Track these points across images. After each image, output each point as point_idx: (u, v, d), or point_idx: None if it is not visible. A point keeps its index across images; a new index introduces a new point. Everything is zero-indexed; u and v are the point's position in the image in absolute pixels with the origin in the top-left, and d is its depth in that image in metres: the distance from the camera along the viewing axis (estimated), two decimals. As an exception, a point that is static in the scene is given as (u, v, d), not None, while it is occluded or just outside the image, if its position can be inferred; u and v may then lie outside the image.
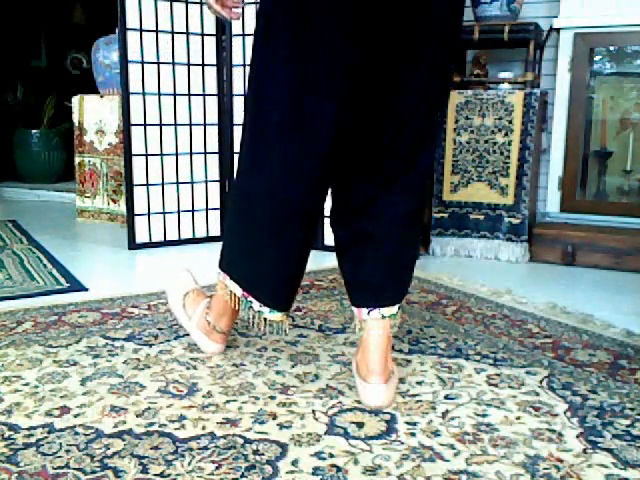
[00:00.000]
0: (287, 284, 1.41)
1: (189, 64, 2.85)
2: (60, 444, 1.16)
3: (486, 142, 2.68)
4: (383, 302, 1.36)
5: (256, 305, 1.41)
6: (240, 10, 1.38)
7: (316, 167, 1.29)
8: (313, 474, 1.07)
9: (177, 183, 2.90)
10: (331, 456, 1.12)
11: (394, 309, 1.37)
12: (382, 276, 1.36)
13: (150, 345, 1.65)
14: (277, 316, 1.42)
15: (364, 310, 1.36)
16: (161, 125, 2.83)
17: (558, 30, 2.85)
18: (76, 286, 2.21)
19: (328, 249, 2.65)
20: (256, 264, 1.40)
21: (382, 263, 1.35)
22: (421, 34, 1.22)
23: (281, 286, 1.41)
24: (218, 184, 2.99)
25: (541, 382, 1.44)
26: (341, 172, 1.36)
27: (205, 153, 2.94)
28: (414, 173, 1.33)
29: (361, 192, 1.35)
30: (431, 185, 2.79)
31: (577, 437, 1.20)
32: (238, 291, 1.43)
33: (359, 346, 1.39)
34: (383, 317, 1.35)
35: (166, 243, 2.89)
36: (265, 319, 1.42)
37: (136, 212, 2.81)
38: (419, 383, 1.43)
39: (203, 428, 1.22)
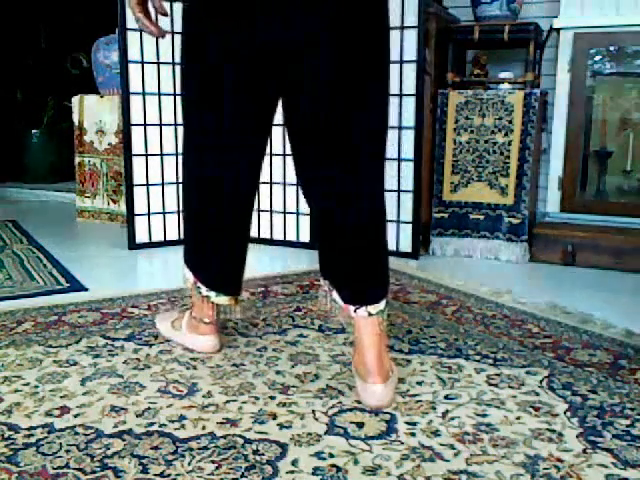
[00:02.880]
0: (226, 267, 1.54)
1: (189, 64, 2.85)
2: (60, 444, 1.16)
3: (486, 142, 2.68)
4: (365, 300, 1.35)
5: (204, 290, 1.54)
6: (164, 30, 1.46)
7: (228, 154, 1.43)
8: (313, 474, 1.07)
9: (177, 183, 2.89)
10: (331, 456, 1.12)
11: (380, 306, 1.36)
12: (355, 274, 1.37)
13: (150, 345, 1.65)
14: (224, 299, 1.56)
15: (351, 307, 1.37)
16: (161, 125, 2.83)
17: (558, 30, 2.85)
18: (76, 286, 2.21)
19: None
20: (199, 249, 1.55)
21: (350, 260, 1.37)
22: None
23: (221, 269, 1.54)
24: (218, 184, 2.98)
25: (541, 382, 1.44)
26: (301, 170, 1.40)
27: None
28: (359, 164, 1.33)
29: (318, 187, 1.37)
30: (431, 185, 2.79)
31: (577, 437, 1.20)
32: (191, 278, 1.56)
33: (354, 347, 1.40)
34: (370, 315, 1.35)
35: (166, 243, 2.88)
36: (213, 303, 1.55)
37: (136, 212, 2.81)
38: (419, 383, 1.43)
39: (203, 428, 1.22)
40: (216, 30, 1.32)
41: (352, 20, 1.25)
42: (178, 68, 2.83)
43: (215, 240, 1.52)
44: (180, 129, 2.87)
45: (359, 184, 1.33)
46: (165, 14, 1.45)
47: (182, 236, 1.63)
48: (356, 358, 1.37)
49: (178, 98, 2.84)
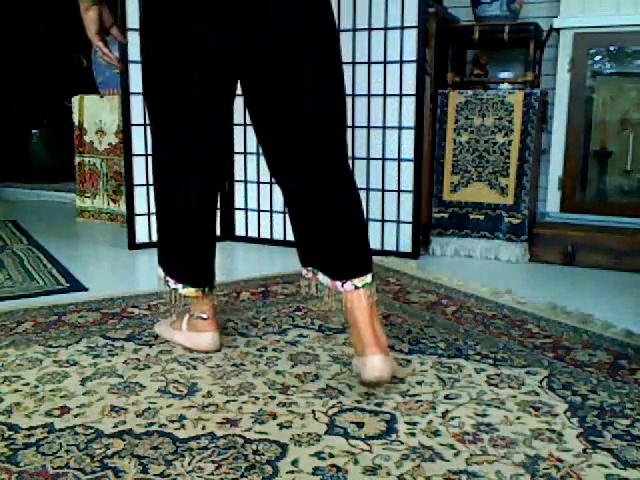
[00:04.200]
0: (191, 259, 1.58)
1: (189, 64, 2.85)
2: (60, 444, 1.16)
3: (486, 142, 2.68)
4: (350, 272, 1.39)
5: (171, 283, 1.58)
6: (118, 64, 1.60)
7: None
8: (313, 474, 1.07)
9: (177, 183, 2.89)
10: (331, 456, 1.12)
11: (367, 278, 1.39)
12: (339, 248, 1.42)
13: (150, 345, 1.65)
14: (191, 291, 1.57)
15: (337, 283, 1.40)
16: (161, 125, 2.83)
17: (558, 30, 2.85)
18: (76, 286, 2.21)
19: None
20: (165, 245, 1.60)
21: (333, 237, 1.42)
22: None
23: (186, 261, 1.57)
24: (218, 184, 2.99)
25: (541, 382, 1.44)
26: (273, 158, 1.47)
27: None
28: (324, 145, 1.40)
29: (299, 177, 1.43)
30: (431, 185, 2.79)
31: (577, 437, 1.20)
32: (162, 273, 1.60)
33: (348, 326, 1.42)
34: (356, 288, 1.37)
35: (166, 243, 2.88)
36: (181, 295, 1.57)
37: (136, 212, 2.81)
38: (419, 383, 1.43)
39: (203, 428, 1.22)
40: (180, 34, 1.36)
41: (305, 24, 1.32)
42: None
43: (180, 235, 1.57)
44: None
45: (337, 171, 1.42)
46: (124, 43, 1.55)
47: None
48: (352, 337, 1.39)
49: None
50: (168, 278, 1.59)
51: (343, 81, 1.42)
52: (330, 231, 1.41)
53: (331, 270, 1.42)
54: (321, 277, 1.45)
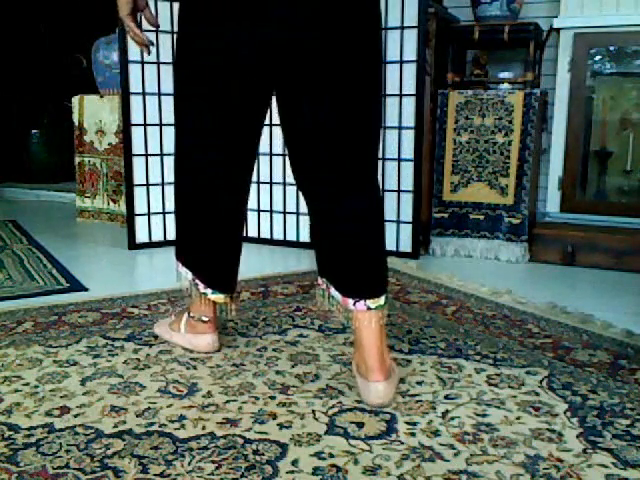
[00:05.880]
0: (222, 266, 1.57)
1: (189, 64, 2.85)
2: (60, 444, 1.16)
3: (486, 142, 2.68)
4: (364, 292, 1.35)
5: (201, 287, 1.56)
6: (151, 48, 1.51)
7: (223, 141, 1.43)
8: (313, 474, 1.07)
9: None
10: (331, 456, 1.12)
11: (380, 300, 1.36)
12: (355, 265, 1.37)
13: (150, 345, 1.65)
14: (219, 297, 1.57)
15: (350, 300, 1.37)
16: (161, 125, 2.83)
17: (558, 30, 2.85)
18: (76, 286, 2.21)
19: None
20: (197, 248, 1.56)
21: (350, 252, 1.37)
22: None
23: (218, 267, 1.57)
24: (218, 184, 2.98)
25: (541, 382, 1.44)
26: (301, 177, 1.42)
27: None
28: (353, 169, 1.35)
29: (313, 191, 1.39)
30: (431, 185, 2.79)
31: (577, 437, 1.20)
32: (189, 275, 1.57)
33: (355, 344, 1.39)
34: (369, 309, 1.35)
35: (166, 243, 2.88)
36: (209, 300, 1.57)
37: (136, 212, 2.81)
38: (419, 383, 1.43)
39: (203, 428, 1.22)
40: (214, 29, 1.32)
41: (346, 19, 1.25)
42: (178, 68, 2.83)
43: (212, 239, 1.53)
44: (180, 129, 2.87)
45: (360, 180, 1.36)
46: (156, 26, 1.51)
47: (177, 236, 1.62)
48: (357, 356, 1.37)
49: (178, 98, 2.85)
50: (198, 282, 1.56)
51: (375, 89, 1.34)
52: (345, 252, 1.36)
53: (343, 287, 1.38)
54: (333, 291, 1.41)
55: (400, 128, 2.64)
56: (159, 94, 2.80)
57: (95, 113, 3.45)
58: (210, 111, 1.40)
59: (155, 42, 2.74)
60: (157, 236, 2.88)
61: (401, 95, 2.62)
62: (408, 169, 2.65)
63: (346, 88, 1.28)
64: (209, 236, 1.53)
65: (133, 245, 2.82)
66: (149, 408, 1.30)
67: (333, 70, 1.27)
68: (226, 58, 1.32)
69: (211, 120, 1.41)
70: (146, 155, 2.81)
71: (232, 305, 1.61)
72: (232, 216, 1.54)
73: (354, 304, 1.36)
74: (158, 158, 2.84)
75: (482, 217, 2.72)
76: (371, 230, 1.37)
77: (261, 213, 2.94)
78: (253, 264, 2.67)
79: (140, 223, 2.83)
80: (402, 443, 1.17)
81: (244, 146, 1.46)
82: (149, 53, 1.51)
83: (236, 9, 1.27)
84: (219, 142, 1.44)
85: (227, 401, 1.33)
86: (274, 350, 1.63)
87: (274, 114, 2.44)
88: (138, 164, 2.79)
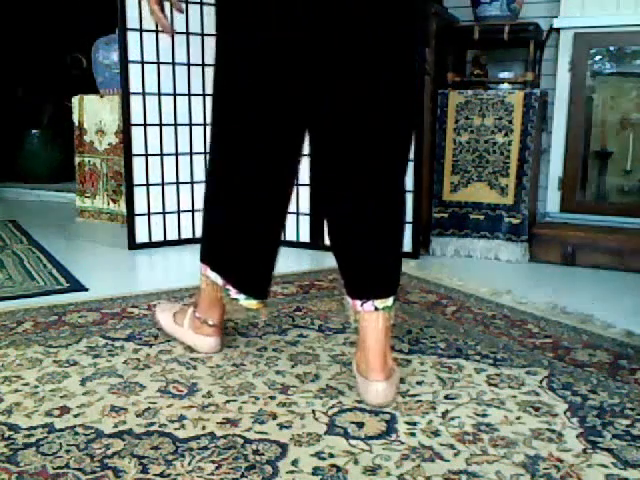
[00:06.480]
0: (258, 271, 1.51)
1: (189, 64, 2.85)
2: (60, 444, 1.16)
3: (486, 142, 2.68)
4: (374, 293, 1.35)
5: (233, 292, 1.51)
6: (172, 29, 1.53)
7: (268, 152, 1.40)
8: (313, 474, 1.07)
9: (177, 183, 2.90)
10: (331, 456, 1.12)
11: (388, 301, 1.36)
12: (368, 267, 1.36)
13: (150, 345, 1.65)
14: (252, 303, 1.52)
15: (358, 302, 1.37)
16: (161, 125, 2.83)
17: (558, 30, 2.85)
18: (76, 286, 2.21)
19: (328, 249, 2.64)
20: (231, 253, 1.50)
21: (362, 252, 1.36)
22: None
23: (253, 273, 1.51)
24: (218, 184, 2.98)
25: (541, 382, 1.44)
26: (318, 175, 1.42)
27: (205, 153, 2.93)
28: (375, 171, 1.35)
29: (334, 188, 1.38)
30: (431, 185, 2.79)
31: (577, 437, 1.20)
32: (219, 280, 1.52)
33: (358, 343, 1.39)
34: (376, 309, 1.34)
35: (166, 243, 2.88)
36: (242, 306, 1.52)
37: (136, 212, 2.81)
38: (419, 383, 1.43)
39: (203, 428, 1.22)
40: (258, 27, 1.30)
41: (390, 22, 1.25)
42: (178, 68, 2.83)
43: (249, 244, 1.48)
44: (180, 129, 2.87)
45: (387, 186, 1.37)
46: (181, 11, 1.51)
47: (205, 240, 1.56)
48: (359, 354, 1.37)
49: (178, 98, 2.85)
50: (229, 287, 1.50)
51: (413, 94, 1.34)
52: (358, 253, 1.36)
53: (352, 288, 1.38)
54: (347, 297, 1.41)
55: (400, 128, 2.63)
56: (159, 94, 2.80)
57: (95, 113, 3.45)
58: (256, 110, 1.35)
59: (156, 41, 2.74)
60: (157, 236, 2.88)
61: (401, 95, 2.61)
62: (408, 169, 2.64)
63: (388, 94, 1.29)
64: (250, 237, 1.47)
65: (133, 245, 2.82)
66: (149, 408, 1.30)
67: (375, 72, 1.27)
68: (273, 59, 1.30)
69: (257, 119, 1.36)
70: (146, 155, 2.81)
71: (264, 310, 1.55)
72: (277, 214, 1.49)
73: (362, 305, 1.35)
74: (158, 158, 2.84)
75: (482, 217, 2.72)
76: (388, 233, 1.36)
77: (261, 213, 2.93)
78: (253, 264, 2.67)
79: (140, 223, 2.83)
80: (402, 443, 1.17)
81: (291, 145, 1.42)
82: (173, 36, 1.50)
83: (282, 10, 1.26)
84: (265, 144, 1.39)
85: (227, 401, 1.33)
86: (274, 350, 1.63)
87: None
88: (138, 164, 2.79)
